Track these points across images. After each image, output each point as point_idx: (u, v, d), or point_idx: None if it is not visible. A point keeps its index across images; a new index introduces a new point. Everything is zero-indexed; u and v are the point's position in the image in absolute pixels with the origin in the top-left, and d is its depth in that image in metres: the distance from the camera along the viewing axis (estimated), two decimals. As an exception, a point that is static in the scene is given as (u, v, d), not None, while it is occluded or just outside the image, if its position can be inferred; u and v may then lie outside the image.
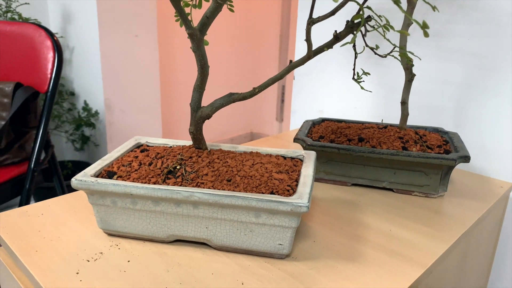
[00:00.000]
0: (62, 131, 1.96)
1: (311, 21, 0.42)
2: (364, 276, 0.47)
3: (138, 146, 0.62)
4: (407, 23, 0.67)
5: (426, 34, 0.33)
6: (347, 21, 0.42)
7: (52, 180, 1.38)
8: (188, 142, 0.61)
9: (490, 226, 0.72)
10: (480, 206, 0.65)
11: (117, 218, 0.51)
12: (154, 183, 0.50)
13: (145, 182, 0.50)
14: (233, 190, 0.48)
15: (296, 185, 0.50)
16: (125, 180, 0.51)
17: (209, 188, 0.49)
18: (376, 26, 0.43)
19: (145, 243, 0.52)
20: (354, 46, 0.43)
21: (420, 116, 0.87)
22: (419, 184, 0.67)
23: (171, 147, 0.60)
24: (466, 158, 0.64)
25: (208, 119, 0.53)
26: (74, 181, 0.49)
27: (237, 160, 0.54)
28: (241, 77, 2.90)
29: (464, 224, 0.60)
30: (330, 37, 0.46)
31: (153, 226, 0.51)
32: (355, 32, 0.41)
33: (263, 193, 0.48)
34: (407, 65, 0.69)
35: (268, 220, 0.47)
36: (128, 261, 0.49)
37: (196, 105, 0.52)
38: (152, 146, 0.61)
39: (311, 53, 0.44)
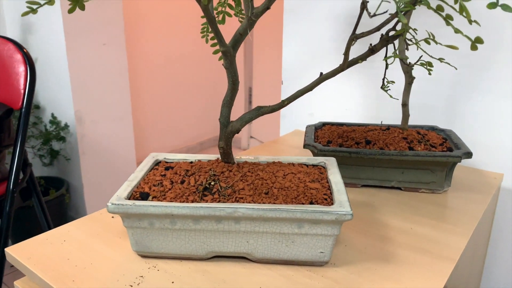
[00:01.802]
0: (28, 146, 1.86)
1: (355, 37, 0.44)
2: (403, 276, 0.49)
3: (157, 163, 0.61)
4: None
5: (474, 48, 0.35)
6: (382, 35, 0.44)
7: (29, 199, 1.31)
8: (208, 156, 0.61)
9: (489, 213, 0.77)
10: (483, 198, 0.70)
11: (154, 240, 0.50)
12: (192, 201, 0.49)
13: (183, 201, 0.49)
14: (273, 203, 0.49)
15: (331, 193, 0.52)
16: (161, 200, 0.50)
17: (249, 202, 0.49)
18: (413, 40, 0.45)
19: (182, 262, 0.52)
20: (386, 58, 0.45)
21: (413, 115, 0.91)
22: (426, 181, 0.71)
23: (192, 162, 0.60)
24: (469, 154, 0.68)
25: (237, 133, 0.53)
26: (110, 205, 0.48)
27: (268, 172, 0.55)
28: (205, 80, 2.89)
29: (475, 217, 0.64)
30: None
31: (192, 244, 0.50)
32: (391, 46, 0.43)
33: (303, 203, 0.49)
34: (407, 68, 0.72)
35: (311, 230, 0.48)
36: (172, 282, 0.48)
37: (226, 120, 0.52)
38: (172, 162, 0.61)
39: (345, 66, 0.46)
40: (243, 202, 0.49)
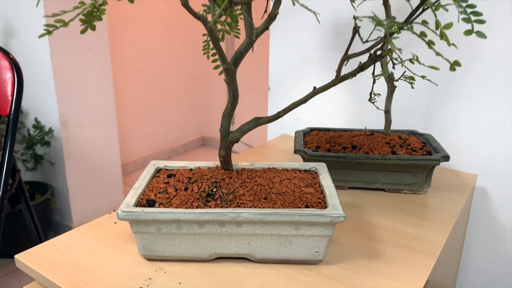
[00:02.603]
0: (11, 151, 1.84)
1: (347, 57, 0.48)
2: (391, 271, 0.54)
3: (158, 170, 0.65)
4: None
5: (453, 69, 0.40)
6: (370, 53, 0.49)
7: (17, 205, 1.31)
8: (207, 163, 0.64)
9: (465, 211, 0.83)
10: (459, 198, 0.76)
11: (160, 244, 0.54)
12: (197, 207, 0.53)
13: (188, 207, 0.53)
14: (272, 207, 0.53)
15: (324, 197, 0.56)
16: (167, 207, 0.53)
17: (250, 207, 0.53)
18: (399, 59, 0.50)
19: (187, 264, 0.55)
20: (373, 73, 0.50)
21: (393, 119, 0.96)
22: (407, 183, 0.76)
23: (192, 169, 0.63)
24: (446, 158, 0.74)
25: (237, 142, 0.57)
26: (120, 213, 0.51)
27: (266, 178, 0.59)
28: (187, 83, 2.90)
29: (453, 215, 0.69)
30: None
31: (196, 247, 0.54)
32: (381, 66, 0.48)
33: (299, 207, 0.53)
34: (389, 78, 0.77)
35: (307, 231, 0.53)
36: (180, 283, 0.51)
37: (226, 130, 0.56)
38: (172, 170, 0.64)
39: (337, 82, 0.51)
40: (244, 207, 0.53)
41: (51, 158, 1.83)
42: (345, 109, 1.04)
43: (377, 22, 0.35)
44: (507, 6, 0.79)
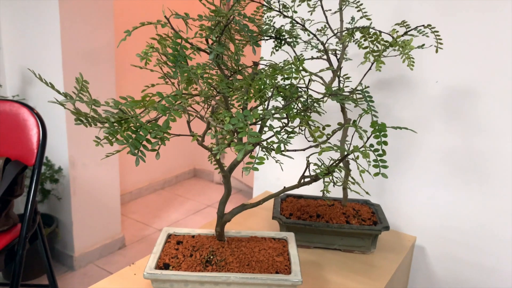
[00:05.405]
0: (21, 185, 2.04)
1: (303, 177, 0.72)
2: (335, 319, 0.77)
3: (169, 235, 0.87)
4: (345, 137, 0.99)
5: (384, 175, 0.64)
6: (317, 176, 0.72)
7: (34, 242, 1.51)
8: (205, 231, 0.87)
9: (404, 268, 1.06)
10: (397, 258, 0.99)
11: (172, 296, 0.76)
12: (199, 271, 0.75)
13: (193, 271, 0.75)
14: (252, 272, 0.75)
15: (290, 264, 0.79)
16: (178, 270, 0.75)
17: (236, 272, 0.75)
18: (339, 180, 0.73)
19: (189, 310, 0.77)
20: (324, 181, 0.73)
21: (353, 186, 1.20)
22: (358, 245, 0.99)
23: (193, 236, 0.86)
24: (387, 228, 0.97)
25: (229, 222, 0.80)
26: (146, 274, 0.73)
27: (248, 248, 0.81)
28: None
29: (389, 273, 0.92)
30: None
31: (197, 299, 0.76)
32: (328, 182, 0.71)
33: (271, 273, 0.76)
34: (346, 164, 1.01)
35: (276, 290, 0.75)
36: (185, 325, 0.73)
37: (221, 213, 0.79)
38: (179, 235, 0.86)
39: (299, 186, 0.74)
40: (233, 272, 0.75)
41: (58, 193, 2.03)
42: (317, 175, 1.27)
43: (320, 173, 0.58)
44: (433, 109, 1.04)
